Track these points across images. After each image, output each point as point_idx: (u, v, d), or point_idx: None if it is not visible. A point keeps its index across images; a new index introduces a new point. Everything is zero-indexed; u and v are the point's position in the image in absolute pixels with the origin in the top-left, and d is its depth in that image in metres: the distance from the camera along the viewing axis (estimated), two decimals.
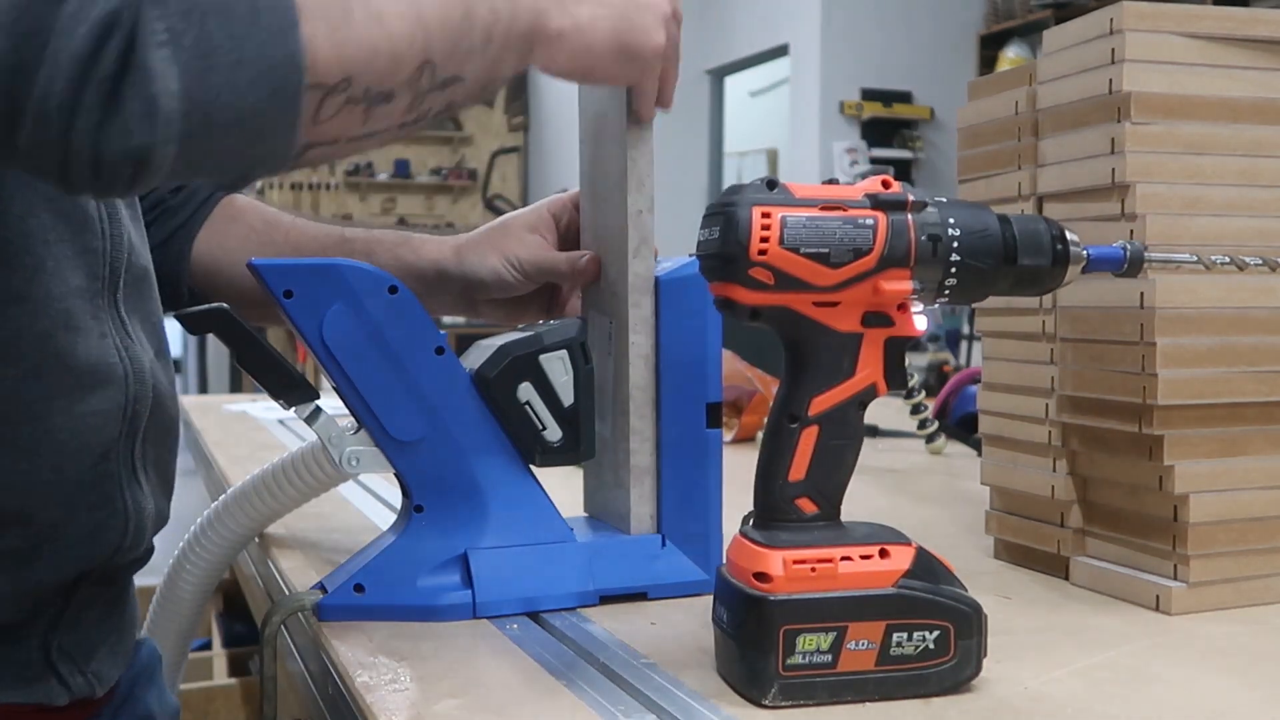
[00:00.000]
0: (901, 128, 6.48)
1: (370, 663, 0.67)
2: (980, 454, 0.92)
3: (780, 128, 7.22)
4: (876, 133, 6.39)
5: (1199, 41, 0.77)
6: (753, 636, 0.60)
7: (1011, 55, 6.09)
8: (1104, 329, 0.78)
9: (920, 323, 0.63)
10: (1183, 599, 0.75)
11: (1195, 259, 0.70)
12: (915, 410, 1.46)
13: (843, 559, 0.60)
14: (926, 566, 0.62)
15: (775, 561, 0.60)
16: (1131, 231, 0.75)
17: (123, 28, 0.49)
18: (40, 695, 0.71)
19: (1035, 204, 0.84)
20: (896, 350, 0.63)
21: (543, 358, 0.77)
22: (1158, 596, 0.76)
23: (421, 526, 0.76)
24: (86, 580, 0.73)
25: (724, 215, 0.60)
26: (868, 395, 0.63)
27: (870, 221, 0.60)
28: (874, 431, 1.61)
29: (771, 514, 0.62)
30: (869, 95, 6.37)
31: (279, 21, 0.53)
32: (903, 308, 0.62)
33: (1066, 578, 0.83)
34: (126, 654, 0.81)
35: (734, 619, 0.61)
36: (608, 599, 0.78)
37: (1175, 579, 0.76)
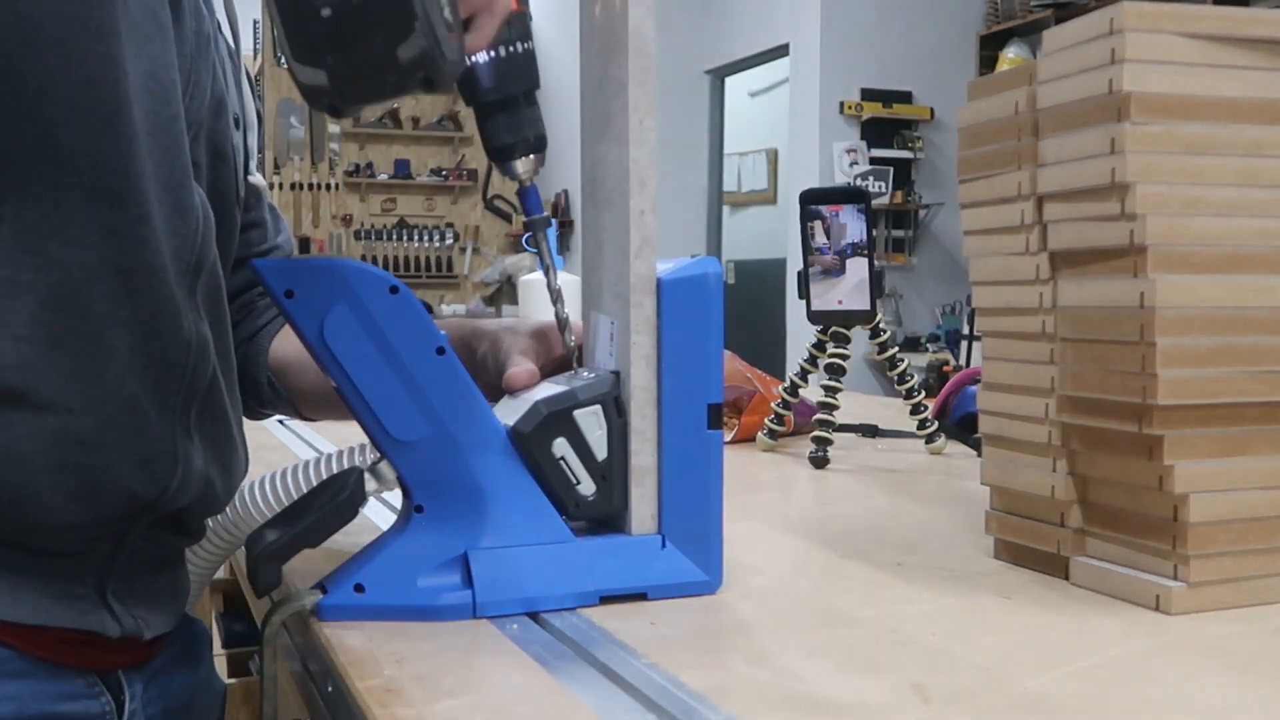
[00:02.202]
0: (901, 128, 6.48)
1: (370, 663, 0.67)
2: (980, 454, 0.92)
3: (780, 128, 7.22)
4: (876, 133, 6.39)
5: (1199, 41, 0.77)
6: None
7: (1011, 55, 6.10)
8: (1104, 329, 0.78)
9: None
10: (1183, 599, 0.75)
11: None
12: (915, 410, 1.46)
13: None
14: None
15: None
16: (1132, 231, 0.76)
17: None
18: (94, 624, 0.75)
19: (1035, 204, 0.84)
20: None
21: (577, 413, 0.77)
22: (1158, 596, 0.76)
23: (421, 526, 0.76)
24: (134, 529, 0.76)
25: None
26: None
27: None
28: (874, 431, 1.61)
29: None
30: (869, 95, 6.37)
31: None
32: None
33: (1066, 578, 0.83)
34: (175, 616, 0.84)
35: None
36: (608, 599, 0.78)
37: (1175, 579, 0.76)
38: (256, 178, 0.99)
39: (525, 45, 0.80)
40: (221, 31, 0.89)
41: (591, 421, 0.77)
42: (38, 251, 0.69)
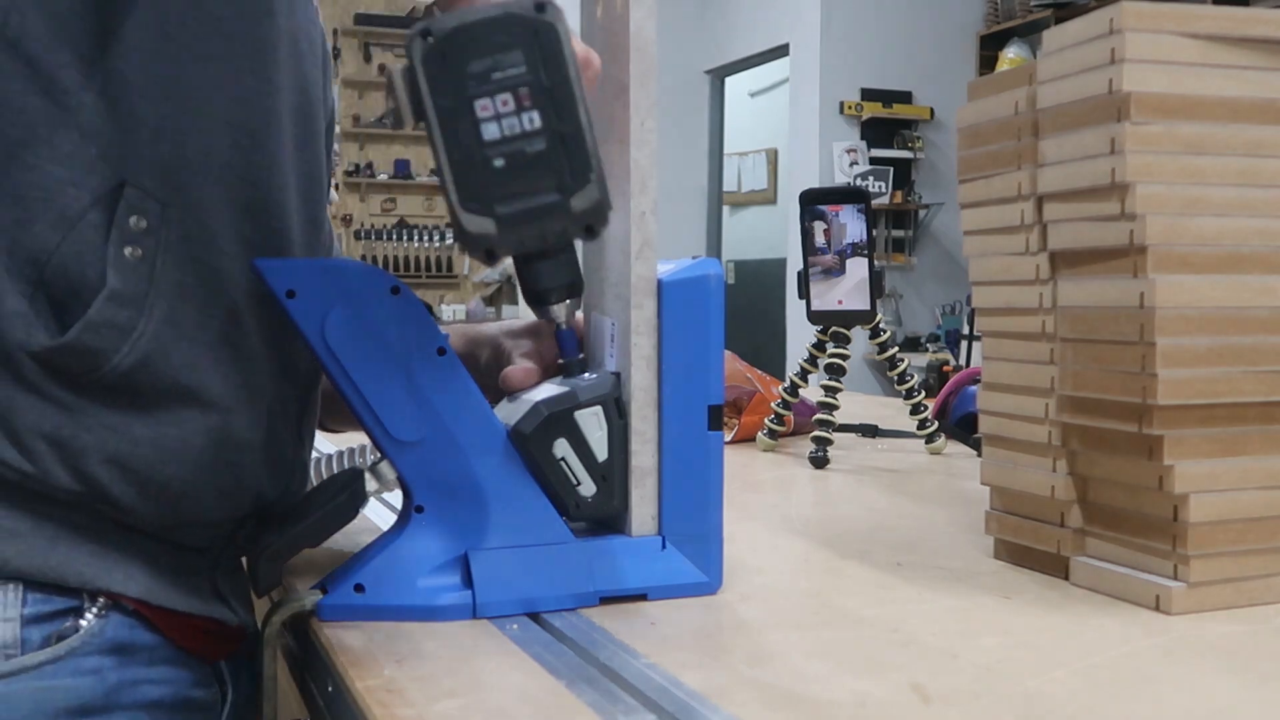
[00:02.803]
0: (901, 128, 6.49)
1: (370, 663, 0.67)
2: (980, 454, 0.92)
3: (780, 128, 7.23)
4: (876, 133, 6.39)
5: (1199, 41, 0.77)
6: None
7: (1011, 55, 6.10)
8: (1104, 329, 0.78)
9: None
10: (1183, 599, 0.75)
11: None
12: (915, 410, 1.46)
13: None
14: None
15: None
16: (1132, 232, 0.76)
17: None
18: (217, 613, 0.80)
19: (1035, 204, 0.84)
20: None
21: (578, 414, 0.77)
22: (1158, 596, 0.76)
23: (422, 527, 0.76)
24: (248, 524, 0.81)
25: None
26: None
27: None
28: (874, 431, 1.61)
29: None
30: (869, 95, 6.37)
31: None
32: None
33: (1066, 578, 0.83)
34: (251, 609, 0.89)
35: None
36: (608, 599, 0.78)
37: (1175, 579, 0.76)
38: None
39: None
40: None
41: (592, 422, 0.77)
42: (198, 258, 0.73)
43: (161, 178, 0.72)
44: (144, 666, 0.75)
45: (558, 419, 0.77)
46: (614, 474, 0.78)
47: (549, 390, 0.79)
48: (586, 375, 0.81)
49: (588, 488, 0.78)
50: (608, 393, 0.78)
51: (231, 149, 0.74)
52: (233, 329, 0.75)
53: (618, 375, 0.79)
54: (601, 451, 0.78)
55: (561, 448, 0.77)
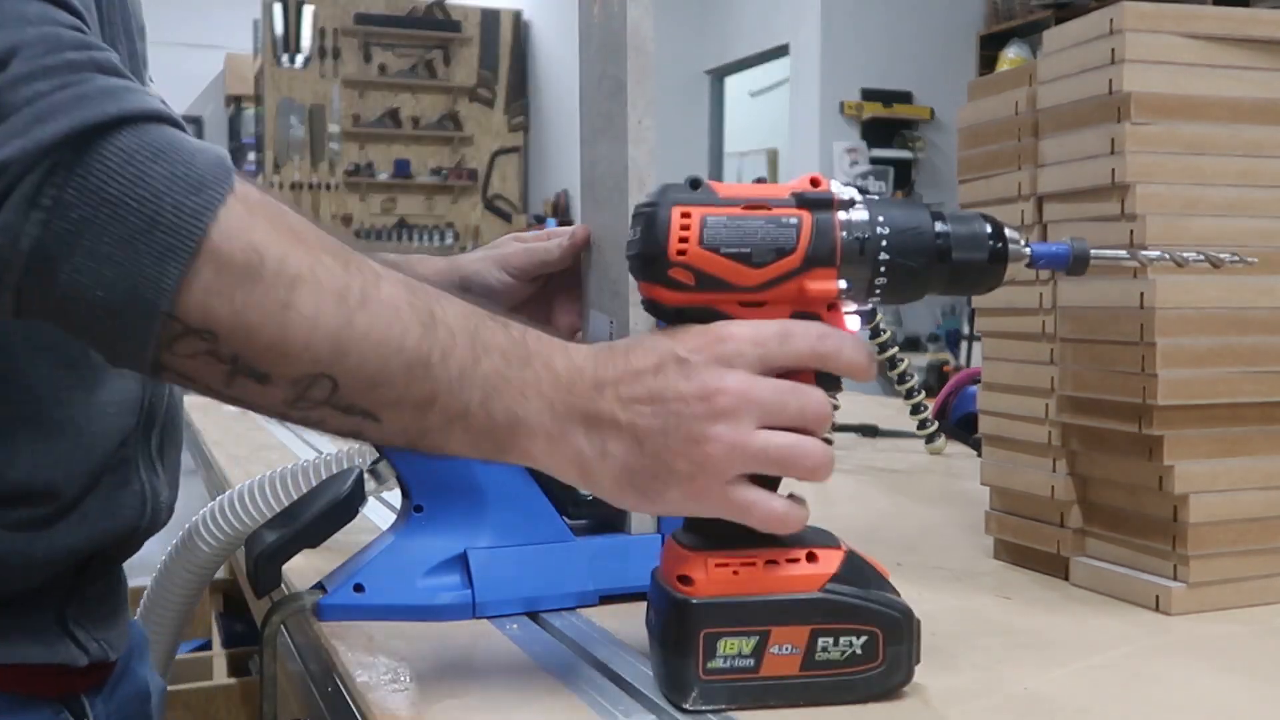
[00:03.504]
0: (901, 128, 6.48)
1: (370, 663, 0.67)
2: (980, 454, 0.92)
3: (780, 128, 7.22)
4: (876, 133, 6.39)
5: (1199, 41, 0.77)
6: (674, 639, 0.59)
7: (1011, 55, 6.09)
8: (1104, 329, 0.78)
9: (852, 323, 0.61)
10: (1183, 599, 0.75)
11: (1153, 258, 0.69)
12: (915, 410, 1.46)
13: (767, 562, 0.59)
14: (856, 570, 0.60)
15: (698, 564, 0.59)
16: (1132, 232, 0.76)
17: (5, 178, 0.50)
18: (62, 656, 0.73)
19: (1035, 204, 0.84)
20: None
21: None
22: (1158, 596, 0.76)
23: (421, 526, 0.76)
24: (98, 557, 0.75)
25: (645, 215, 0.59)
26: None
27: (794, 221, 0.59)
28: (874, 431, 1.61)
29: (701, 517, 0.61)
30: (869, 95, 6.37)
31: (170, 245, 0.51)
32: (833, 308, 0.61)
33: (1066, 578, 0.83)
34: (125, 629, 0.83)
35: (659, 621, 0.61)
36: (608, 599, 0.78)
37: (1175, 579, 0.76)
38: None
39: None
40: None
41: None
42: None
43: None
44: None
45: None
46: None
47: None
48: None
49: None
50: None
51: None
52: (26, 408, 0.68)
53: None
54: None
55: None
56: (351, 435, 0.58)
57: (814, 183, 0.60)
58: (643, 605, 0.64)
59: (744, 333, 0.58)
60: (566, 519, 0.78)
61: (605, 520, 0.80)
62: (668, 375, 0.57)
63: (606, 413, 0.57)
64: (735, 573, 0.59)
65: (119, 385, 0.73)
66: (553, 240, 0.88)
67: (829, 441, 0.59)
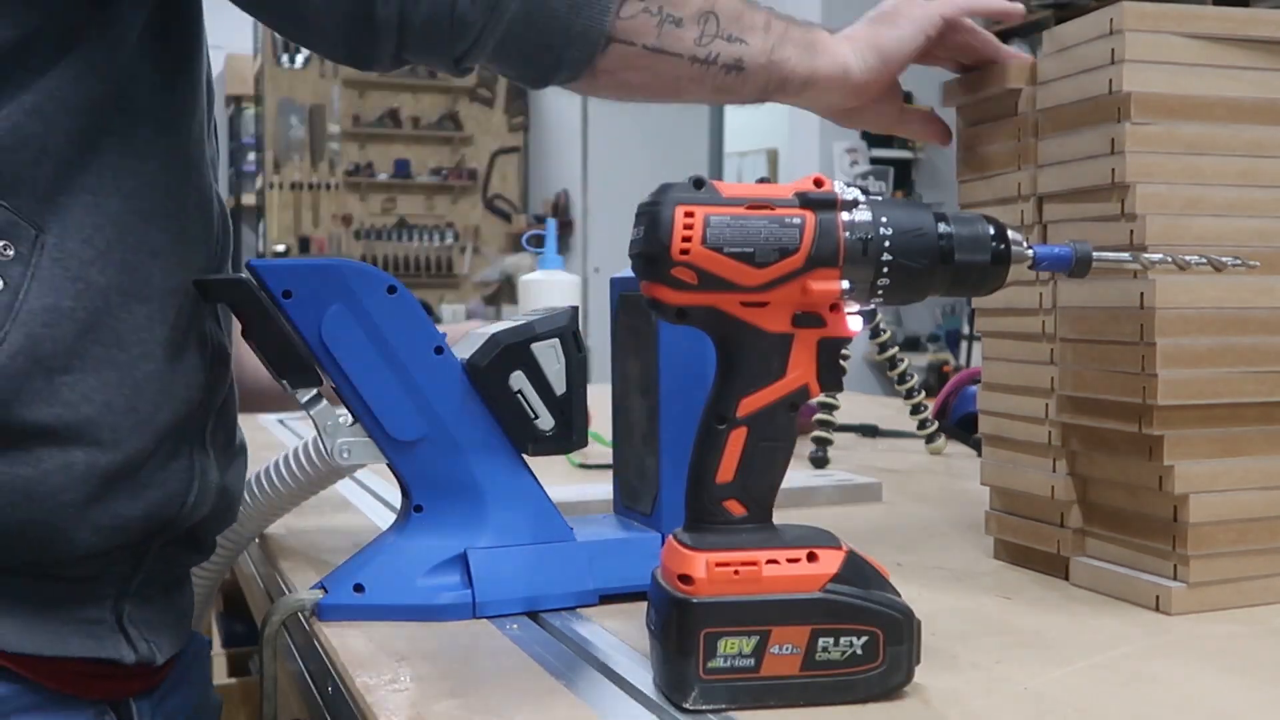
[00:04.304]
0: None
1: (370, 663, 0.67)
2: (980, 454, 0.92)
3: (780, 128, 7.22)
4: (877, 133, 6.39)
5: (1199, 41, 0.77)
6: (674, 639, 0.59)
7: None
8: (1104, 329, 0.78)
9: (854, 324, 0.61)
10: (1183, 599, 0.75)
11: (1155, 260, 0.69)
12: (915, 410, 1.46)
13: (768, 562, 0.59)
14: (856, 570, 0.60)
15: (698, 564, 0.59)
16: (1132, 232, 0.76)
17: None
18: (110, 651, 0.73)
19: (1035, 204, 0.84)
20: (830, 351, 0.62)
21: (534, 346, 0.77)
22: (1158, 596, 0.76)
23: (421, 526, 0.76)
24: (151, 549, 0.75)
25: (648, 214, 0.59)
26: (799, 397, 0.62)
27: (797, 220, 0.59)
28: (874, 431, 1.61)
29: (700, 516, 0.61)
30: None
31: None
32: (835, 308, 0.61)
33: (1066, 578, 0.83)
34: (183, 637, 0.83)
35: (659, 621, 0.61)
36: (608, 599, 0.78)
37: (1175, 579, 0.76)
38: None
39: None
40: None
41: (549, 355, 0.77)
42: (79, 277, 0.68)
43: (43, 198, 0.67)
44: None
45: (513, 351, 0.76)
46: (572, 408, 0.78)
47: (504, 324, 0.78)
48: (543, 310, 0.81)
49: (545, 421, 0.77)
50: (565, 325, 0.78)
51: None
52: (112, 351, 0.70)
53: (575, 309, 0.79)
54: (560, 385, 0.77)
55: (518, 380, 0.76)
56: (737, 65, 0.79)
57: (817, 183, 0.60)
58: (643, 605, 0.64)
59: None
60: (524, 454, 0.78)
61: (561, 440, 0.79)
62: None
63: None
64: (736, 572, 0.59)
65: (192, 360, 0.75)
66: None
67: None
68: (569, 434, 0.78)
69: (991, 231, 0.63)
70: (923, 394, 1.49)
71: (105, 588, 0.73)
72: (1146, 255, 0.69)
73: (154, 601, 0.77)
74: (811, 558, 0.60)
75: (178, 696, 0.84)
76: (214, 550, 0.85)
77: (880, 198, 0.62)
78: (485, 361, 0.76)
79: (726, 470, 0.61)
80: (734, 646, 0.59)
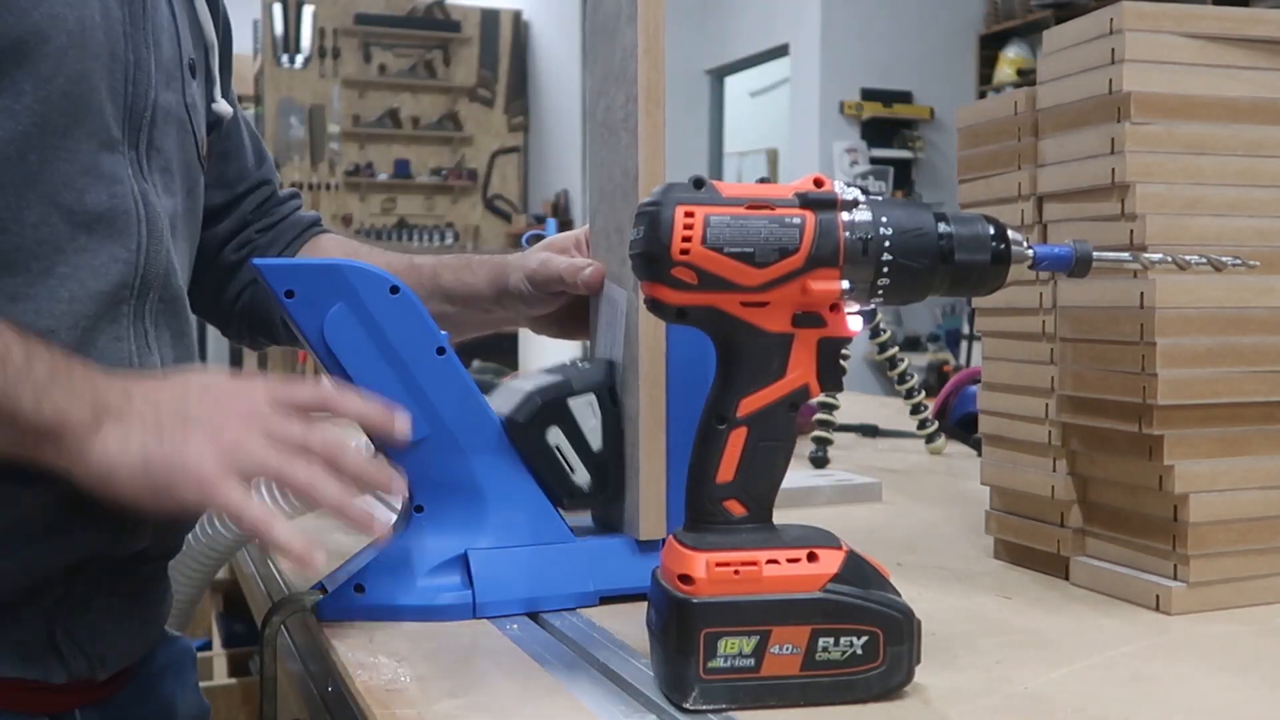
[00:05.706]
0: (901, 128, 6.48)
1: (370, 663, 0.67)
2: (980, 454, 0.92)
3: (780, 128, 7.22)
4: (876, 133, 6.39)
5: (1199, 41, 0.77)
6: (674, 639, 0.59)
7: (1011, 55, 6.09)
8: (1104, 329, 0.78)
9: (854, 323, 0.61)
10: (1183, 599, 0.75)
11: (1155, 260, 0.69)
12: (915, 410, 1.46)
13: (768, 562, 0.59)
14: (856, 570, 0.60)
15: (698, 564, 0.59)
16: (1132, 232, 0.76)
17: None
18: (38, 672, 0.72)
19: (1035, 204, 0.84)
20: (830, 351, 0.62)
21: (571, 402, 0.77)
22: (1158, 596, 0.76)
23: (421, 526, 0.76)
24: (91, 564, 0.73)
25: (648, 215, 0.59)
26: (799, 396, 0.62)
27: (797, 221, 0.59)
28: (874, 431, 1.61)
29: (700, 516, 0.61)
30: (869, 95, 6.37)
31: None
32: (835, 308, 0.61)
33: (1066, 578, 0.83)
34: (144, 644, 0.81)
35: (659, 621, 0.61)
36: (608, 599, 0.78)
37: (1175, 579, 0.76)
38: (221, 104, 0.92)
39: None
40: None
41: (586, 411, 0.77)
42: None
43: None
44: None
45: (551, 407, 0.76)
46: (609, 463, 0.78)
47: (542, 379, 0.78)
48: (580, 363, 0.81)
49: (582, 476, 0.77)
50: (601, 380, 0.78)
51: None
52: (37, 256, 0.70)
53: (611, 363, 0.79)
54: (596, 440, 0.77)
55: (555, 435, 0.77)
56: None
57: (817, 183, 0.60)
58: (643, 605, 0.64)
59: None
60: (561, 510, 0.78)
61: (602, 514, 0.80)
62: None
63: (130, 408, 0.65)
64: (736, 572, 0.59)
65: (116, 247, 0.74)
66: (563, 264, 0.84)
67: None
68: (605, 488, 0.78)
69: (991, 231, 0.63)
70: (923, 394, 1.49)
71: (32, 609, 0.72)
72: (1146, 255, 0.69)
73: (102, 613, 0.75)
74: (811, 558, 0.60)
75: (142, 706, 0.82)
76: (178, 549, 0.83)
77: (880, 198, 0.62)
78: (524, 418, 0.76)
79: (727, 470, 0.61)
80: (734, 646, 0.59)
